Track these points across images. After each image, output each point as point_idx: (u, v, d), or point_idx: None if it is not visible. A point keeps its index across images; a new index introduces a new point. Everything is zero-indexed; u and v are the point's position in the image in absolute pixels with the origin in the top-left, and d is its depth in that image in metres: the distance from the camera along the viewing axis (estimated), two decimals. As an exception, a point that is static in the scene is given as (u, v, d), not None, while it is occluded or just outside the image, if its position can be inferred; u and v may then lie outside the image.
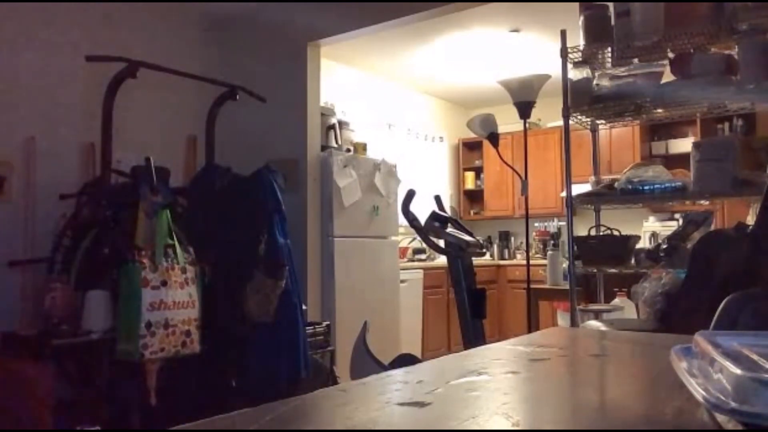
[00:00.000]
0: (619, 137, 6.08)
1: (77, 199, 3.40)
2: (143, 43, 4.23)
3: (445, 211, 3.41)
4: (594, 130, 3.32)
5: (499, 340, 1.23)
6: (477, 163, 7.60)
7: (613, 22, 2.78)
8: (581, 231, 3.10)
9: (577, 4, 2.95)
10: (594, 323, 2.77)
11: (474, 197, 7.71)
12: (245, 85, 3.92)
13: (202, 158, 4.02)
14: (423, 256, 6.26)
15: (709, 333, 0.66)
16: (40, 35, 3.84)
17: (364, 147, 5.13)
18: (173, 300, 2.85)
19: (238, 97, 3.87)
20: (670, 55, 2.76)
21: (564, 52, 2.91)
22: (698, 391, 0.55)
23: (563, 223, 6.49)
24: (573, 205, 2.91)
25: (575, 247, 2.91)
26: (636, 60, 2.87)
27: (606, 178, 3.15)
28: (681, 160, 4.97)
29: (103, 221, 3.16)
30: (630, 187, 2.75)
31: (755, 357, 0.59)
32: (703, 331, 0.70)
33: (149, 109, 4.29)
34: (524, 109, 4.06)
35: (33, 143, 3.71)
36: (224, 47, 4.92)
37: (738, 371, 0.53)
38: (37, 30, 3.83)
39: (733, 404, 0.51)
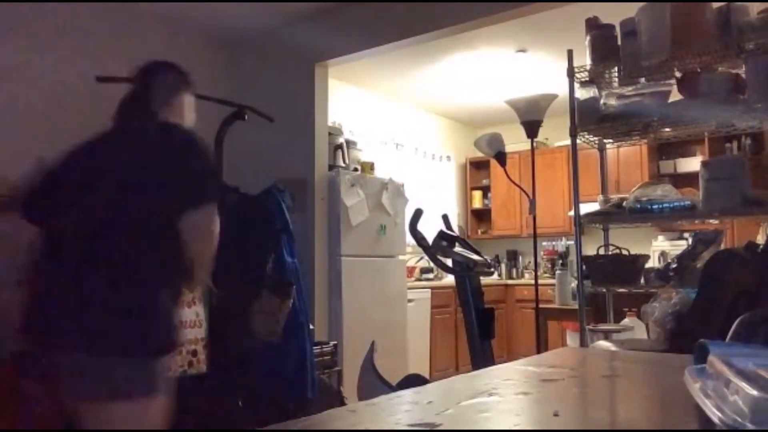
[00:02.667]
0: (627, 156, 6.08)
1: (86, 218, 3.42)
2: (153, 64, 4.27)
3: (452, 230, 3.40)
4: (601, 149, 3.31)
5: (507, 361, 1.22)
6: (484, 182, 7.60)
7: (619, 41, 2.79)
8: (590, 250, 3.08)
9: (583, 24, 2.96)
10: (604, 343, 2.74)
11: (481, 216, 7.70)
12: (253, 105, 3.95)
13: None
14: (430, 276, 6.24)
15: (725, 353, 0.65)
16: (50, 55, 3.88)
17: (371, 166, 5.14)
18: (180, 319, 2.83)
19: (246, 117, 3.90)
20: (678, 74, 2.76)
21: (571, 72, 2.92)
22: (714, 413, 0.54)
23: (571, 243, 6.46)
24: (581, 224, 2.89)
25: (584, 267, 2.89)
26: (643, 79, 2.87)
27: (614, 197, 3.14)
28: (689, 179, 4.95)
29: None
30: (639, 206, 2.74)
31: (771, 378, 0.58)
32: (717, 350, 0.69)
33: (158, 129, 4.31)
34: (531, 128, 4.06)
35: (42, 162, 3.73)
36: (233, 68, 4.96)
37: (755, 392, 0.52)
38: (47, 50, 3.88)
39: (750, 426, 0.50)
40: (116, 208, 1.77)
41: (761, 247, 2.21)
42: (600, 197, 3.20)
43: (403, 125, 6.73)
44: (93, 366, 1.66)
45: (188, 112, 2.18)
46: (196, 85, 2.24)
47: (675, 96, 2.80)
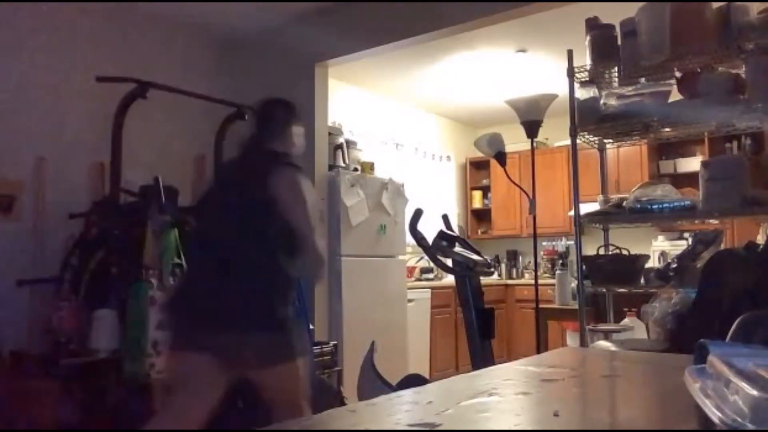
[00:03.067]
0: (627, 156, 6.07)
1: (86, 218, 3.42)
2: (153, 64, 4.28)
3: (452, 230, 3.40)
4: (601, 149, 3.31)
5: (507, 361, 1.22)
6: (484, 182, 7.60)
7: (619, 41, 2.79)
8: (590, 250, 3.08)
9: (583, 24, 2.96)
10: (604, 343, 2.74)
11: (481, 216, 7.70)
12: (253, 105, 3.95)
13: (211, 178, 4.04)
14: (430, 276, 6.24)
15: (725, 353, 0.65)
16: (51, 56, 3.89)
17: (371, 166, 5.14)
18: (180, 319, 2.85)
19: (246, 117, 3.90)
20: (677, 74, 2.76)
21: (571, 72, 2.92)
22: (714, 413, 0.54)
23: (571, 243, 6.46)
24: (581, 224, 2.89)
25: (584, 267, 2.89)
26: (643, 79, 2.87)
27: (614, 197, 3.13)
28: (689, 179, 4.95)
29: (111, 241, 3.17)
30: (639, 206, 2.74)
31: (772, 378, 0.57)
32: (717, 350, 0.69)
33: (158, 129, 4.32)
34: (531, 128, 4.06)
35: (43, 163, 3.74)
36: (233, 68, 4.96)
37: (755, 392, 0.52)
38: (48, 50, 3.88)
39: (750, 426, 0.50)
40: (246, 217, 2.28)
41: (761, 247, 2.21)
42: (600, 197, 3.20)
43: (403, 125, 6.73)
44: (266, 340, 2.19)
45: (297, 140, 2.56)
46: (301, 116, 2.64)
47: (675, 96, 2.80)
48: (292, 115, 2.59)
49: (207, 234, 2.44)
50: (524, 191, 4.22)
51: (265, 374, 2.23)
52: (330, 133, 4.69)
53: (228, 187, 2.45)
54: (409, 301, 5.25)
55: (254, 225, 2.26)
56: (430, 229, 3.26)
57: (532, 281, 4.38)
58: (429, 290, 5.77)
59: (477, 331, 3.11)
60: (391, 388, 3.21)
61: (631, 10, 2.75)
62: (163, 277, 2.84)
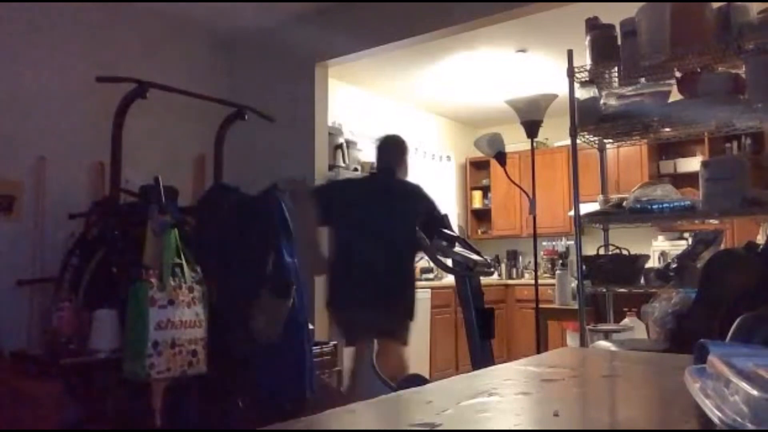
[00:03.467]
0: (627, 156, 6.07)
1: (86, 218, 3.42)
2: (153, 64, 4.28)
3: (452, 230, 3.40)
4: (601, 149, 3.31)
5: (507, 361, 1.22)
6: (484, 182, 7.60)
7: (619, 41, 2.79)
8: (590, 250, 3.08)
9: (583, 24, 2.96)
10: (604, 343, 2.74)
11: (481, 216, 7.70)
12: (253, 105, 3.95)
13: (211, 178, 4.04)
14: (431, 276, 6.24)
15: (725, 353, 0.65)
16: (50, 56, 3.89)
17: (371, 166, 5.14)
18: (180, 319, 2.85)
19: (246, 117, 3.90)
20: (677, 74, 2.76)
21: (571, 72, 2.92)
22: (714, 413, 0.54)
23: (571, 243, 6.46)
24: (581, 224, 2.89)
25: (584, 267, 2.89)
26: (643, 79, 2.87)
27: (614, 197, 3.13)
28: (689, 179, 4.95)
29: (111, 240, 3.17)
30: (639, 206, 2.74)
31: (772, 378, 0.57)
32: (717, 350, 0.69)
33: (158, 129, 4.32)
34: (531, 128, 4.06)
35: (43, 163, 3.74)
36: (233, 68, 4.96)
37: (755, 392, 0.52)
38: (47, 51, 3.88)
39: (750, 426, 0.50)
40: (410, 221, 3.21)
41: (761, 247, 2.21)
42: (600, 197, 3.20)
43: (404, 125, 6.72)
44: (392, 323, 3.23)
45: (409, 169, 3.51)
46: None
47: (675, 96, 2.80)
48: (406, 147, 3.57)
49: (375, 239, 3.18)
50: (524, 191, 4.22)
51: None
52: (330, 133, 4.69)
53: (388, 202, 3.31)
54: (409, 301, 5.23)
55: (413, 227, 3.17)
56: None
57: (532, 281, 4.39)
58: (429, 290, 5.76)
59: (477, 331, 3.11)
60: (391, 388, 3.20)
61: (631, 10, 2.75)
62: (163, 277, 2.84)
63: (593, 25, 2.91)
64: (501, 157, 3.92)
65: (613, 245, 3.15)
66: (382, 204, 3.30)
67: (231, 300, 3.18)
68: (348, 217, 3.33)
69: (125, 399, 2.93)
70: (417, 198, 3.35)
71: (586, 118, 2.88)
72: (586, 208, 2.96)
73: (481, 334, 3.11)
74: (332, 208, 3.33)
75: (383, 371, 3.15)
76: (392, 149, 3.50)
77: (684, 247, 3.22)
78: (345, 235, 3.35)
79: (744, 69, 2.55)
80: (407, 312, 3.28)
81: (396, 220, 3.23)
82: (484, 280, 3.57)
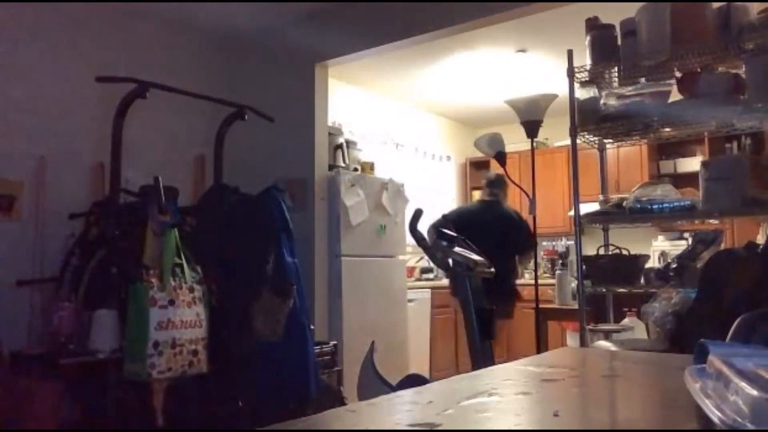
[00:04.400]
0: (627, 156, 6.07)
1: (86, 218, 3.42)
2: (153, 64, 4.28)
3: (452, 230, 3.40)
4: (601, 149, 3.31)
5: (507, 361, 1.21)
6: (484, 182, 7.58)
7: (619, 41, 2.79)
8: (590, 250, 3.08)
9: (583, 24, 2.96)
10: (604, 343, 2.74)
11: (481, 216, 7.68)
12: (253, 105, 3.95)
13: (211, 178, 4.04)
14: (431, 276, 6.24)
15: (725, 353, 0.65)
16: (51, 56, 3.89)
17: (371, 166, 5.14)
18: (181, 319, 2.85)
19: (246, 117, 3.90)
20: (677, 74, 2.76)
21: (571, 72, 2.92)
22: (714, 413, 0.54)
23: (571, 243, 6.46)
24: (581, 224, 2.89)
25: (584, 267, 2.89)
26: (643, 79, 2.87)
27: (614, 197, 3.13)
28: (689, 179, 4.95)
29: (111, 241, 3.17)
30: (639, 206, 2.74)
31: (771, 378, 0.57)
32: (717, 350, 0.69)
33: (158, 129, 4.32)
34: (531, 128, 4.06)
35: (43, 163, 3.74)
36: (233, 68, 4.96)
37: (755, 392, 0.52)
38: (48, 51, 3.88)
39: (750, 426, 0.50)
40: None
41: (761, 247, 2.20)
42: (600, 197, 3.20)
43: (404, 125, 6.73)
44: None
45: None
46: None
47: (675, 96, 2.80)
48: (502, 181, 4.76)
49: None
50: (524, 191, 4.22)
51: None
52: (330, 133, 4.68)
53: (502, 227, 4.57)
54: (409, 301, 5.25)
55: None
56: (430, 229, 3.25)
57: (532, 281, 4.38)
58: (429, 290, 5.76)
59: (477, 331, 3.10)
60: (391, 388, 3.20)
61: (631, 10, 2.75)
62: (163, 277, 2.84)
63: (593, 25, 2.91)
64: (501, 157, 3.92)
65: (613, 245, 3.15)
66: (494, 226, 4.50)
67: (232, 300, 3.18)
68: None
69: (125, 399, 2.93)
70: (520, 224, 4.75)
71: (586, 118, 2.88)
72: (586, 208, 2.96)
73: (481, 334, 3.11)
74: None
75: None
76: (499, 182, 4.93)
77: (684, 247, 3.22)
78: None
79: (744, 69, 2.56)
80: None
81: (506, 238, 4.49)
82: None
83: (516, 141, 5.68)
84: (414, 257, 6.05)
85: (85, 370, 2.94)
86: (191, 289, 2.95)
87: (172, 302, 2.83)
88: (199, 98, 3.75)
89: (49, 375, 2.87)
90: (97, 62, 3.95)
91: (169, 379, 2.81)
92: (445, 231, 3.29)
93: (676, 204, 2.67)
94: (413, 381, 3.28)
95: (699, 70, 2.69)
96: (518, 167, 6.47)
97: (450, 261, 3.28)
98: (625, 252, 3.02)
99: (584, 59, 2.89)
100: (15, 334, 3.34)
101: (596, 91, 2.92)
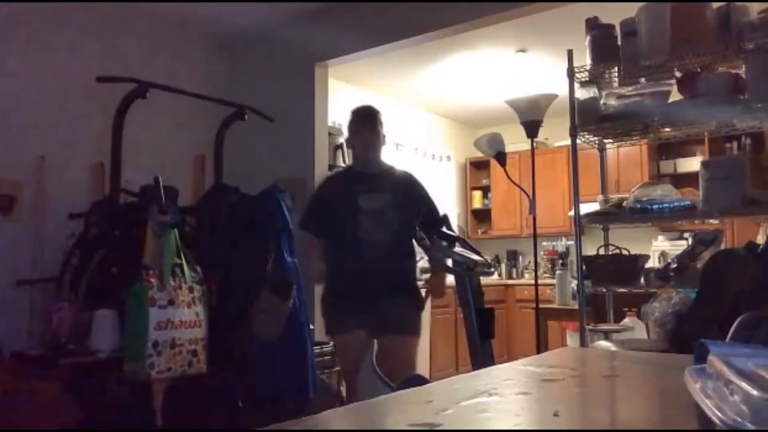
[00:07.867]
0: (627, 156, 6.07)
1: (86, 218, 3.42)
2: (153, 64, 4.28)
3: (452, 230, 3.40)
4: (601, 149, 3.31)
5: (507, 361, 1.22)
6: (484, 182, 7.60)
7: (619, 41, 2.79)
8: (590, 250, 3.08)
9: (583, 24, 2.96)
10: (604, 343, 2.74)
11: (481, 216, 7.70)
12: (253, 105, 3.95)
13: (211, 178, 4.04)
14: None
15: (725, 353, 0.65)
16: (51, 56, 3.89)
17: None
18: (180, 319, 2.85)
19: (246, 117, 3.90)
20: (677, 74, 2.75)
21: (571, 72, 2.91)
22: (714, 413, 0.54)
23: (571, 243, 6.46)
24: (581, 224, 2.89)
25: (584, 267, 2.89)
26: (643, 79, 2.87)
27: (614, 197, 3.13)
28: (689, 179, 4.95)
29: (111, 241, 3.17)
30: (639, 206, 2.74)
31: (772, 378, 0.57)
32: (717, 350, 0.69)
33: (158, 129, 4.32)
34: (531, 128, 4.06)
35: (43, 163, 3.74)
36: (232, 68, 4.96)
37: (755, 393, 0.52)
38: (48, 51, 3.88)
39: (750, 426, 0.50)
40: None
41: (761, 247, 2.20)
42: (600, 197, 3.20)
43: (403, 125, 6.72)
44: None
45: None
46: None
47: (675, 96, 2.80)
48: None
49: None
50: (524, 191, 4.22)
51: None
52: (330, 133, 4.68)
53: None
54: (409, 301, 5.23)
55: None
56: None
57: (532, 281, 4.39)
58: (429, 290, 5.75)
59: (477, 331, 3.10)
60: (391, 388, 3.20)
61: (631, 10, 2.75)
62: (163, 277, 2.84)
63: (593, 25, 2.91)
64: (501, 157, 3.92)
65: (613, 245, 3.15)
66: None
67: (231, 300, 3.18)
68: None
69: (125, 399, 2.93)
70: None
71: (586, 118, 2.88)
72: (586, 208, 2.96)
73: (481, 334, 3.11)
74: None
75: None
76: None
77: (684, 247, 3.22)
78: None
79: (744, 69, 2.55)
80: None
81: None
82: (484, 280, 3.57)
83: (516, 141, 5.68)
84: (414, 257, 6.04)
85: (85, 370, 2.94)
86: (191, 289, 2.95)
87: (171, 302, 2.83)
88: (199, 98, 3.75)
89: (49, 375, 2.87)
90: (97, 62, 3.95)
91: (168, 379, 2.81)
92: (446, 231, 3.29)
93: (676, 204, 2.67)
94: (413, 381, 3.28)
95: (699, 70, 2.68)
96: (518, 167, 6.47)
97: (450, 261, 3.28)
98: (625, 252, 3.01)
99: (584, 59, 2.89)
100: (15, 334, 3.34)
101: (596, 91, 2.92)
